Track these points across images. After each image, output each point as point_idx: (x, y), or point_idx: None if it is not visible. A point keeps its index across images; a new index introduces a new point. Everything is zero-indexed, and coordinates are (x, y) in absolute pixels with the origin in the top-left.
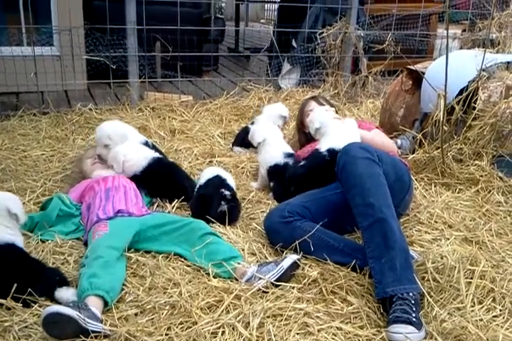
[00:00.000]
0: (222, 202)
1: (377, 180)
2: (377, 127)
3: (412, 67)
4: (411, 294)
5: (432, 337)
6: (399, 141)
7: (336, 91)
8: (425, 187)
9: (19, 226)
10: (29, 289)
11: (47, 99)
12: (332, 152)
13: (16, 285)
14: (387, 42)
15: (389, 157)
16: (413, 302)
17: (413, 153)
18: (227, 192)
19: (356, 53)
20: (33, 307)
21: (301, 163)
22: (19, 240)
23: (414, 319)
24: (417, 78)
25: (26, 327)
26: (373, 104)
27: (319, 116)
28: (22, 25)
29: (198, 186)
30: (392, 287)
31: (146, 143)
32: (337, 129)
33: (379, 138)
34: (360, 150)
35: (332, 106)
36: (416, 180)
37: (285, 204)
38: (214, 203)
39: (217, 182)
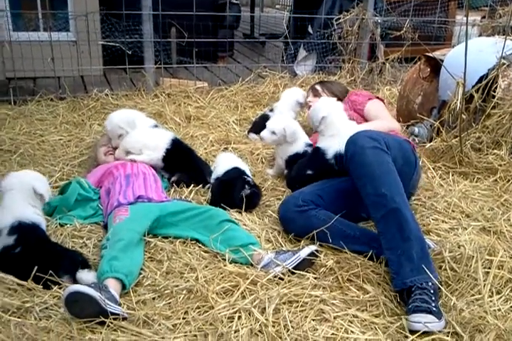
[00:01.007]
0: (246, 186)
1: (387, 168)
2: (371, 98)
3: (430, 54)
4: (430, 283)
5: (450, 327)
6: (416, 129)
7: (353, 78)
8: (442, 176)
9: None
10: (50, 271)
11: (63, 84)
12: (339, 159)
13: (37, 266)
14: (404, 29)
15: (395, 140)
16: (432, 291)
17: (430, 141)
18: (249, 179)
19: (373, 40)
20: (53, 288)
21: (305, 164)
22: (43, 221)
23: (434, 308)
24: (435, 65)
25: (47, 308)
26: (390, 91)
27: (327, 105)
28: (38, 10)
29: (215, 176)
30: (410, 277)
31: (156, 127)
32: (344, 127)
33: (378, 127)
34: (367, 139)
35: (335, 95)
36: (433, 168)
37: (299, 192)
38: (237, 187)
39: (238, 171)
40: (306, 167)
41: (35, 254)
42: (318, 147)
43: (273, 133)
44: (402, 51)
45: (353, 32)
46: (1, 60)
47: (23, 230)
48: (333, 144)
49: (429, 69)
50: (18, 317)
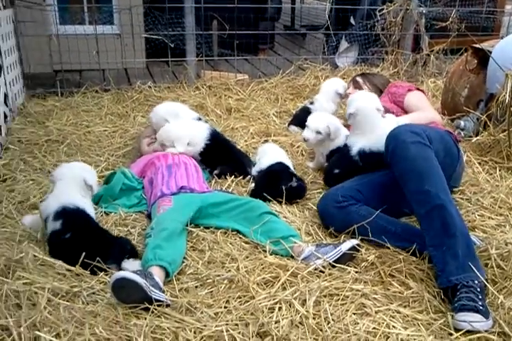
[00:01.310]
0: (294, 179)
1: (431, 164)
2: (410, 89)
3: (477, 45)
4: (476, 281)
5: (497, 326)
6: (462, 123)
7: (396, 70)
8: (489, 171)
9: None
10: (98, 258)
11: (108, 76)
12: (363, 155)
13: (86, 253)
14: (450, 20)
15: (436, 132)
16: (478, 289)
17: (477, 135)
18: (295, 172)
19: (417, 31)
20: (99, 275)
21: (333, 163)
22: (91, 209)
23: (481, 307)
24: (483, 57)
25: (94, 293)
26: (435, 83)
27: (359, 101)
28: (84, 4)
29: (258, 168)
30: (456, 275)
31: (200, 120)
32: (374, 124)
33: (417, 119)
34: (409, 133)
35: (377, 87)
36: (479, 163)
37: (338, 188)
38: (284, 180)
39: (282, 165)
40: (333, 166)
41: (85, 241)
42: (345, 144)
43: (318, 132)
44: (448, 42)
45: (397, 23)
46: (48, 53)
47: (68, 215)
48: (358, 141)
49: (476, 61)
50: (67, 301)
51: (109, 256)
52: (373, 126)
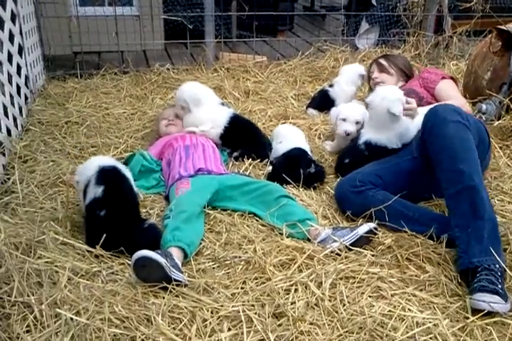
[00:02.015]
0: (313, 165)
1: (469, 145)
2: (444, 77)
3: (503, 27)
4: (497, 266)
5: None
6: (484, 106)
7: (417, 52)
8: (510, 155)
9: None
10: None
11: (127, 58)
12: (369, 146)
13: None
14: (475, 0)
15: (473, 119)
16: (499, 274)
17: (499, 119)
18: (315, 158)
19: (440, 12)
20: (119, 257)
21: (343, 153)
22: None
23: (500, 290)
24: (508, 39)
25: (113, 273)
26: (457, 66)
27: (377, 96)
28: None
29: (276, 153)
30: (478, 257)
31: (223, 105)
32: (386, 124)
33: None
34: (451, 112)
35: (402, 70)
36: (501, 147)
37: (356, 172)
38: (303, 164)
39: (301, 150)
40: (344, 156)
41: (118, 226)
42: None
43: (357, 123)
44: (472, 24)
45: (419, 3)
46: (68, 34)
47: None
48: (368, 131)
49: (500, 43)
50: (87, 280)
51: (136, 248)
52: (384, 125)
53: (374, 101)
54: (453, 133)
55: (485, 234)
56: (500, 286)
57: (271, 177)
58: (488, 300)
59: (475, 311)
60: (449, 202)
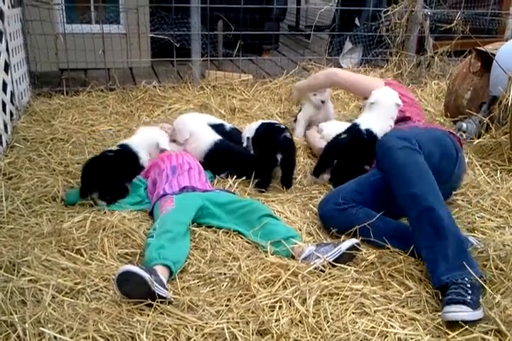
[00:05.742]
0: (285, 130)
1: (419, 168)
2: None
3: (481, 48)
4: (466, 279)
5: (494, 324)
6: (464, 125)
7: (400, 71)
8: (490, 173)
9: None
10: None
11: (113, 75)
12: (369, 134)
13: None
14: (455, 22)
15: (431, 134)
16: (469, 285)
17: (479, 137)
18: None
19: (422, 32)
20: (104, 271)
21: (343, 136)
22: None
23: (469, 300)
24: (487, 60)
25: (97, 290)
26: (438, 85)
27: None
28: (91, 3)
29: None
30: (446, 275)
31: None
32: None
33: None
34: (397, 140)
35: None
36: (481, 165)
37: (339, 190)
38: (277, 131)
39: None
40: (341, 133)
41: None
42: (353, 122)
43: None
44: (452, 44)
45: (402, 24)
46: (55, 51)
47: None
48: (369, 120)
49: (479, 64)
50: (71, 298)
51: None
52: (387, 115)
53: (381, 97)
54: (402, 161)
55: (449, 252)
56: (469, 297)
57: (257, 159)
58: (453, 310)
59: (452, 326)
60: (412, 226)
